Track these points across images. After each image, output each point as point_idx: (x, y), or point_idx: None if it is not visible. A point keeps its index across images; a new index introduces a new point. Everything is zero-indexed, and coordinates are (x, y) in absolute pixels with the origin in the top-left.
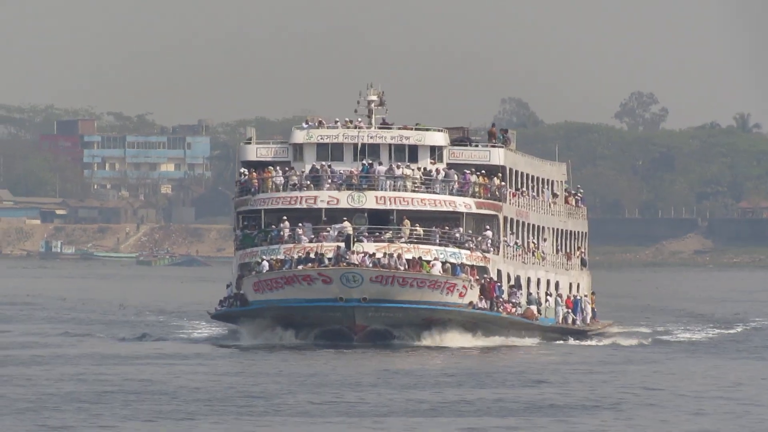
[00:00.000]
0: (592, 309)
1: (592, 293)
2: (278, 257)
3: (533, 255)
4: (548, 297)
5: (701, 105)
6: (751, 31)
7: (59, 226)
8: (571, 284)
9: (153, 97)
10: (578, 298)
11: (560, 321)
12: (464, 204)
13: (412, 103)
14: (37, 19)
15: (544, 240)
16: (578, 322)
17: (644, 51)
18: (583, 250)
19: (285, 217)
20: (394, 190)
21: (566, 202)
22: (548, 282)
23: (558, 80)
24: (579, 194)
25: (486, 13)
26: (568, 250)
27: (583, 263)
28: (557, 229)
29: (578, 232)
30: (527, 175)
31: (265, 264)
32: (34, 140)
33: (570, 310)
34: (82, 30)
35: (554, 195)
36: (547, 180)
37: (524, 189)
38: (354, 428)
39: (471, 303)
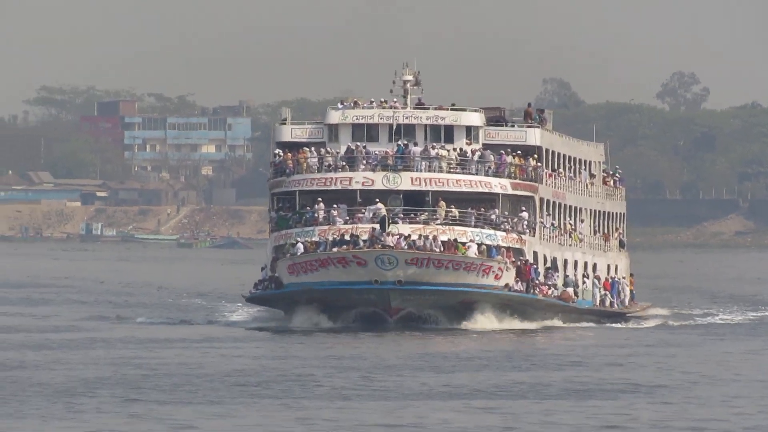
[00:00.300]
0: (631, 291)
1: (631, 275)
2: (313, 239)
3: (570, 237)
4: (585, 279)
5: (743, 85)
6: None
7: (100, 208)
8: (609, 266)
9: (194, 79)
10: (616, 280)
11: (598, 303)
12: (500, 185)
13: (451, 83)
14: (78, 1)
15: (582, 221)
16: (616, 305)
17: (686, 31)
18: (621, 232)
19: (320, 199)
20: (430, 171)
21: (604, 183)
22: (585, 264)
23: (600, 60)
24: (617, 175)
25: None
26: (606, 232)
27: (621, 245)
28: (595, 211)
29: (616, 213)
30: (564, 155)
31: (300, 246)
32: (75, 122)
33: (608, 292)
34: (123, 11)
35: (592, 176)
36: (585, 161)
37: (561, 170)
38: (390, 413)
39: (507, 285)
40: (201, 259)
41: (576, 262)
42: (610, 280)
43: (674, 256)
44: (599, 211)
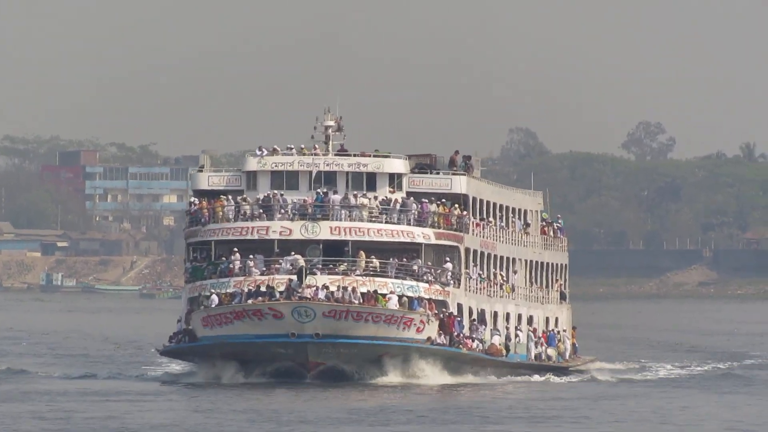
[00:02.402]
0: (573, 344)
1: (573, 328)
2: (228, 291)
3: (501, 288)
4: (519, 332)
5: (709, 135)
6: (758, 60)
7: (60, 259)
8: (548, 318)
9: (157, 128)
10: (554, 333)
11: (533, 357)
12: (423, 234)
13: (414, 131)
14: (41, 49)
15: (515, 272)
16: (553, 358)
17: (653, 80)
18: (561, 283)
19: (236, 249)
20: (350, 219)
21: (542, 232)
22: (519, 316)
23: (566, 109)
24: (558, 224)
25: (493, 41)
26: (544, 283)
27: (562, 297)
28: (531, 261)
29: (556, 264)
30: (494, 204)
31: (214, 298)
32: (37, 171)
33: (545, 346)
34: (87, 60)
35: (526, 225)
36: (519, 209)
37: (490, 219)
38: None
39: (429, 338)
40: (162, 310)
41: (508, 315)
42: (548, 333)
43: (635, 306)
44: (536, 262)
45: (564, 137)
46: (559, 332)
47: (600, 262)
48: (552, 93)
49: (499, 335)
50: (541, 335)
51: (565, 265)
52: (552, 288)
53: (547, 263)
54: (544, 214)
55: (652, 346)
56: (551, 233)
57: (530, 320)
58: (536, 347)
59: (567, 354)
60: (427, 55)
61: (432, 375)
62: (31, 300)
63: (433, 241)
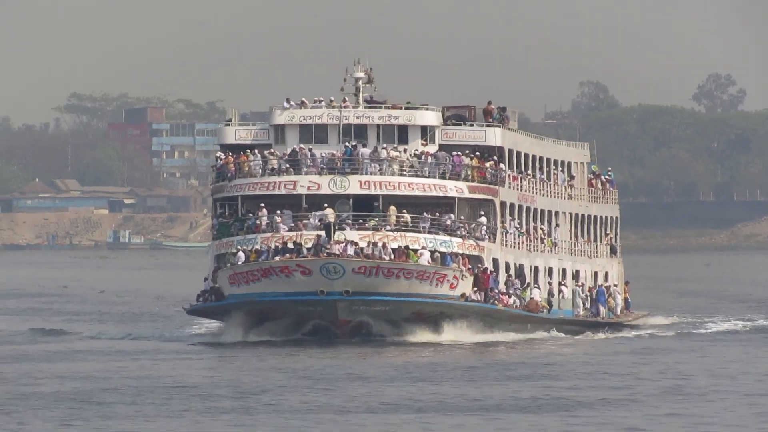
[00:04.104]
0: (626, 299)
1: (626, 282)
2: (255, 248)
3: (542, 242)
4: (563, 287)
5: None
6: None
7: (128, 216)
8: (596, 273)
9: (225, 84)
10: (602, 288)
11: (580, 313)
12: (456, 188)
13: (489, 87)
14: (113, 7)
15: (557, 226)
16: (602, 314)
17: (722, 32)
18: (612, 236)
19: (263, 205)
20: (380, 173)
21: (590, 185)
22: (563, 271)
23: (637, 63)
24: (607, 176)
25: None
26: (592, 237)
27: (612, 251)
28: (576, 215)
29: (605, 217)
30: (533, 156)
31: (241, 255)
32: (104, 129)
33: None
34: (156, 15)
35: (571, 177)
36: (562, 162)
37: (529, 171)
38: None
39: (463, 295)
40: None
41: (550, 270)
42: (596, 288)
43: (705, 259)
44: (582, 215)
45: (634, 91)
46: (608, 287)
47: (670, 214)
48: (623, 46)
49: (540, 290)
50: (588, 290)
51: (616, 218)
52: (601, 242)
53: (595, 216)
54: (594, 166)
55: (715, 300)
56: (599, 186)
57: (576, 275)
58: (583, 303)
59: (618, 309)
60: (488, 8)
61: (466, 332)
62: (96, 257)
63: (467, 194)
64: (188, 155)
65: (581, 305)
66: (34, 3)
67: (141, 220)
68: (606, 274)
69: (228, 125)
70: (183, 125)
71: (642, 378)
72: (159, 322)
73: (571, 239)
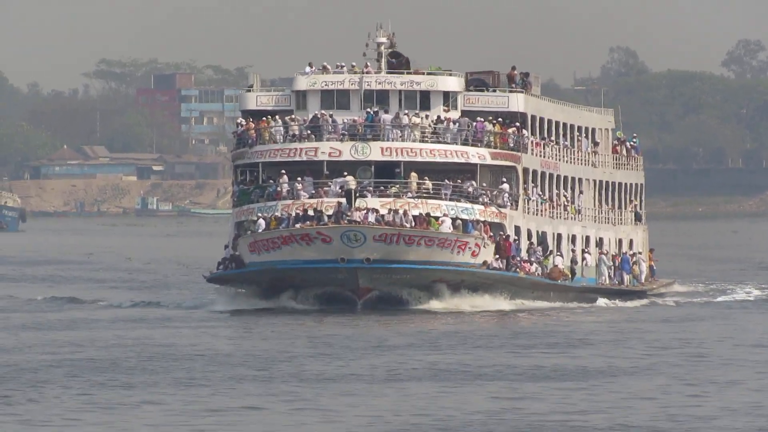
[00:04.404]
0: (651, 267)
1: (651, 250)
2: (275, 215)
3: (565, 209)
4: (587, 255)
5: None
6: None
7: (156, 183)
8: (621, 241)
9: (255, 50)
10: (627, 256)
11: (605, 281)
12: (478, 155)
13: (518, 53)
14: None
15: (581, 193)
16: (626, 282)
17: None
18: (636, 203)
19: (283, 171)
20: (402, 140)
21: (614, 151)
22: (587, 239)
23: (667, 28)
24: (632, 143)
25: None
26: (616, 204)
27: (637, 218)
28: (600, 182)
29: (630, 184)
30: (557, 122)
31: (261, 222)
32: (132, 95)
33: (618, 269)
34: None
35: (595, 144)
36: (586, 128)
37: (552, 138)
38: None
39: (485, 263)
40: None
41: (574, 237)
42: (620, 256)
43: (733, 226)
44: (607, 182)
45: (664, 57)
46: (634, 254)
47: (699, 180)
48: (653, 12)
49: (562, 258)
50: (612, 258)
51: (641, 185)
52: (626, 209)
53: (620, 183)
54: (619, 132)
55: (742, 267)
56: (624, 152)
57: (600, 243)
58: (609, 271)
59: (642, 277)
60: None
61: (489, 300)
62: (124, 224)
63: (489, 161)
64: (217, 122)
65: (606, 273)
66: None
67: (169, 187)
68: (630, 241)
69: (249, 91)
70: (212, 91)
71: (663, 347)
72: (182, 289)
73: (594, 206)
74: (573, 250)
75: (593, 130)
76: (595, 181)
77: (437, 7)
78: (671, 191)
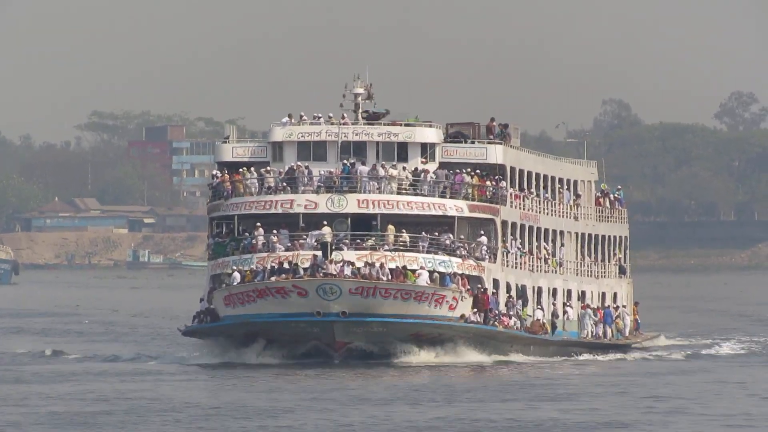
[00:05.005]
0: (635, 320)
1: (635, 303)
2: (251, 268)
3: (546, 262)
4: (568, 308)
5: None
6: None
7: (147, 235)
8: (604, 294)
9: (246, 102)
10: (609, 309)
11: (587, 334)
12: (455, 207)
13: (509, 105)
14: (135, 26)
15: (562, 246)
16: (610, 335)
17: (745, 51)
18: (620, 256)
19: (259, 224)
20: (379, 192)
21: (597, 203)
22: (568, 292)
23: (660, 80)
24: (616, 195)
25: (586, 13)
26: (599, 257)
27: (621, 270)
28: (583, 234)
29: (614, 236)
30: (537, 174)
31: (236, 275)
32: (124, 147)
33: (601, 322)
34: (177, 37)
35: (577, 196)
36: (568, 180)
37: (533, 189)
38: None
39: (463, 316)
40: None
41: (555, 290)
42: (603, 309)
43: (724, 278)
44: (590, 235)
45: (657, 108)
46: (617, 308)
47: (691, 232)
48: (646, 63)
49: (543, 311)
50: (595, 311)
51: (625, 237)
52: (609, 262)
53: (603, 236)
54: (603, 185)
55: (730, 320)
56: (607, 204)
57: (582, 296)
58: (593, 325)
59: (627, 331)
60: (505, 28)
61: (466, 354)
62: (114, 277)
63: (467, 213)
64: (208, 174)
65: (589, 327)
66: (57, 22)
67: (161, 239)
68: (614, 294)
69: (225, 142)
70: (203, 143)
71: (637, 400)
72: (161, 342)
73: (577, 259)
74: (554, 304)
75: (575, 182)
76: (577, 233)
77: (428, 56)
78: (663, 243)
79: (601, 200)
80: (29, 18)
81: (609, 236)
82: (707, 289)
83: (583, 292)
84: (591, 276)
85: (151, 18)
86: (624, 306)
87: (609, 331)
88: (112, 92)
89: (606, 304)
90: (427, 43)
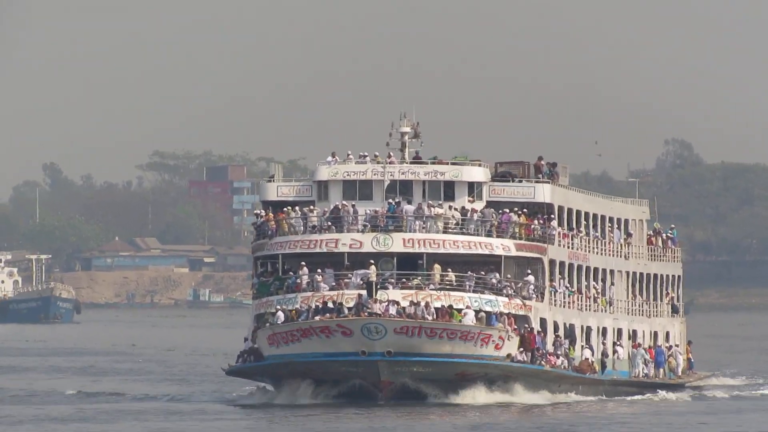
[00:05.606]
0: (688, 359)
1: (688, 342)
2: (294, 307)
3: (595, 301)
4: (618, 347)
5: None
6: None
7: (208, 274)
8: (656, 333)
9: (306, 142)
10: (661, 348)
11: (638, 374)
12: (502, 246)
13: (573, 146)
14: (195, 65)
15: (612, 284)
16: (662, 375)
17: None
18: (673, 295)
19: (303, 263)
20: (425, 231)
21: (649, 242)
22: (619, 331)
23: (720, 120)
24: (669, 234)
25: (649, 52)
26: (651, 296)
27: (674, 309)
28: (634, 273)
29: (666, 275)
30: (586, 213)
31: (281, 315)
32: (185, 187)
33: (652, 362)
34: (240, 75)
35: (628, 235)
36: (619, 219)
37: (581, 229)
38: None
39: (509, 355)
40: None
41: (605, 330)
42: (654, 349)
43: None
44: (641, 274)
45: (718, 148)
46: (670, 347)
47: (752, 271)
48: (708, 103)
49: (591, 351)
50: (646, 351)
51: (678, 276)
52: (662, 301)
53: (655, 275)
54: (656, 224)
55: None
56: (659, 243)
57: (633, 335)
58: (641, 363)
59: (679, 370)
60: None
61: (513, 394)
62: (174, 316)
63: (514, 252)
64: None
65: (640, 366)
66: (120, 60)
67: (221, 278)
68: (667, 333)
69: (270, 181)
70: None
71: None
72: (211, 382)
73: (628, 298)
74: (604, 343)
75: (626, 220)
76: (628, 272)
77: (487, 96)
78: (724, 282)
79: (654, 239)
80: (93, 56)
81: (661, 275)
82: (767, 328)
83: (635, 331)
84: (642, 315)
85: (212, 58)
86: (677, 345)
87: (661, 370)
88: (174, 132)
89: (658, 343)
90: (486, 83)
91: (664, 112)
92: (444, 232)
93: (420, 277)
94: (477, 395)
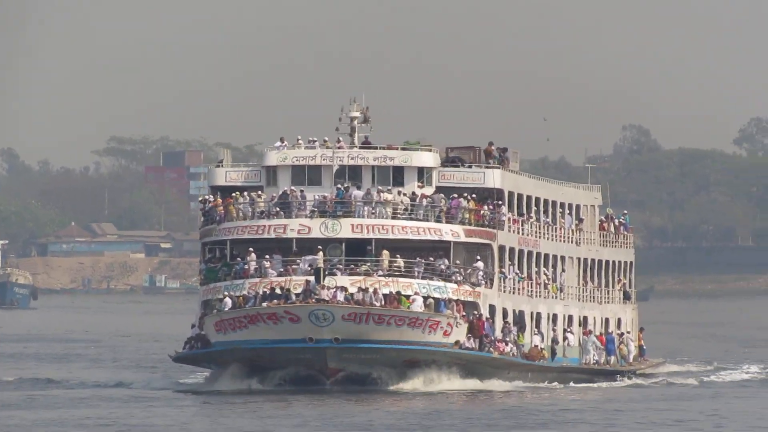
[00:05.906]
0: (640, 346)
1: (640, 329)
2: (242, 293)
3: (546, 288)
4: (568, 334)
5: None
6: None
7: (164, 260)
8: (607, 320)
9: (264, 127)
10: (612, 335)
11: (589, 361)
12: (451, 232)
13: (530, 131)
14: (152, 52)
15: (563, 271)
16: (612, 362)
17: (765, 75)
18: (625, 282)
19: (251, 249)
20: (374, 216)
21: (601, 228)
22: (569, 318)
23: (678, 106)
24: (621, 220)
25: (606, 40)
26: (603, 282)
27: (626, 296)
28: (585, 259)
29: (618, 261)
30: (537, 199)
31: (228, 301)
32: (142, 173)
33: (603, 349)
34: (196, 61)
35: (579, 221)
36: (570, 204)
37: (532, 214)
38: None
39: (458, 342)
40: None
41: (555, 316)
42: (605, 336)
43: (741, 304)
44: (592, 260)
45: (676, 134)
46: (621, 334)
47: (709, 258)
48: (665, 89)
49: (541, 338)
50: (597, 338)
51: (630, 262)
52: (613, 287)
53: (607, 261)
54: (608, 209)
55: (740, 346)
56: (611, 229)
57: (584, 322)
58: (593, 351)
59: (631, 357)
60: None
61: (460, 381)
62: (130, 302)
63: (463, 238)
64: None
65: (591, 353)
66: (76, 48)
67: (177, 264)
68: (618, 320)
69: (219, 167)
70: None
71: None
72: (161, 369)
73: (579, 285)
74: (554, 330)
75: (578, 206)
76: (579, 258)
77: (444, 85)
78: (681, 268)
79: (606, 225)
80: (48, 43)
81: (613, 261)
82: (722, 315)
83: (585, 318)
84: (594, 301)
85: (169, 45)
86: (628, 332)
87: (612, 357)
88: (131, 118)
89: (609, 330)
90: (442, 71)
91: (621, 98)
92: (393, 218)
93: (368, 263)
94: (422, 383)
